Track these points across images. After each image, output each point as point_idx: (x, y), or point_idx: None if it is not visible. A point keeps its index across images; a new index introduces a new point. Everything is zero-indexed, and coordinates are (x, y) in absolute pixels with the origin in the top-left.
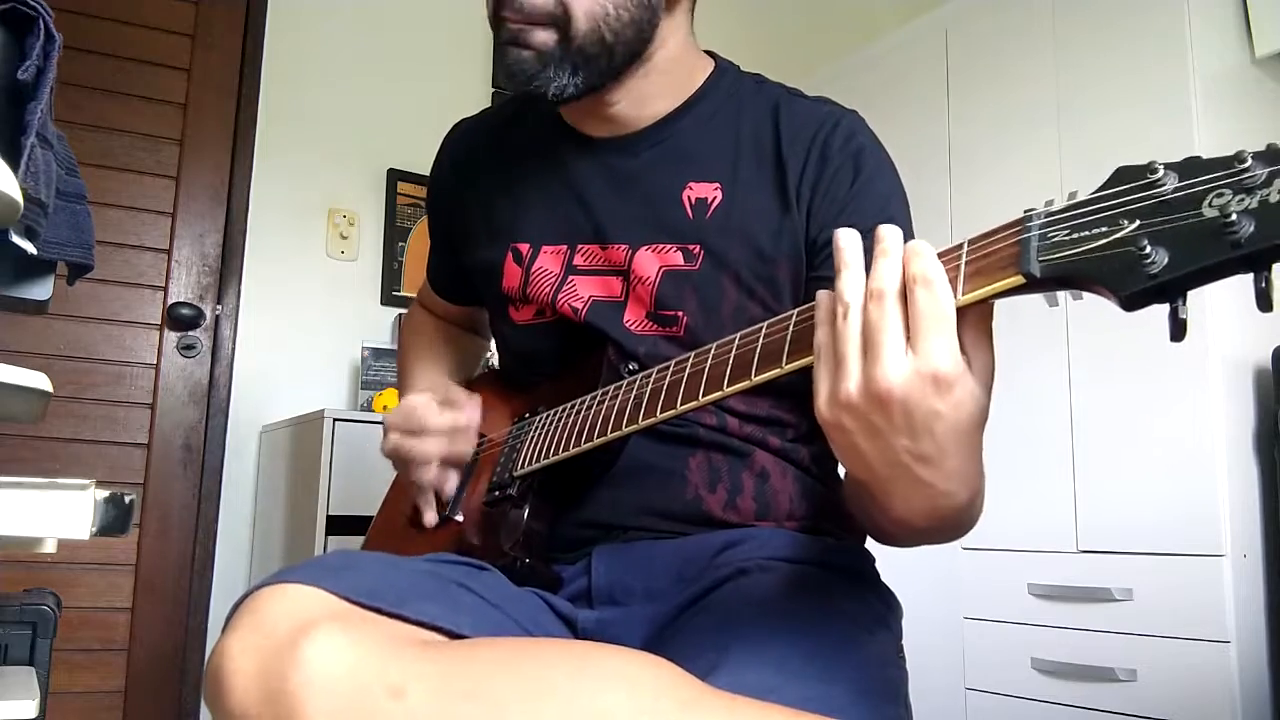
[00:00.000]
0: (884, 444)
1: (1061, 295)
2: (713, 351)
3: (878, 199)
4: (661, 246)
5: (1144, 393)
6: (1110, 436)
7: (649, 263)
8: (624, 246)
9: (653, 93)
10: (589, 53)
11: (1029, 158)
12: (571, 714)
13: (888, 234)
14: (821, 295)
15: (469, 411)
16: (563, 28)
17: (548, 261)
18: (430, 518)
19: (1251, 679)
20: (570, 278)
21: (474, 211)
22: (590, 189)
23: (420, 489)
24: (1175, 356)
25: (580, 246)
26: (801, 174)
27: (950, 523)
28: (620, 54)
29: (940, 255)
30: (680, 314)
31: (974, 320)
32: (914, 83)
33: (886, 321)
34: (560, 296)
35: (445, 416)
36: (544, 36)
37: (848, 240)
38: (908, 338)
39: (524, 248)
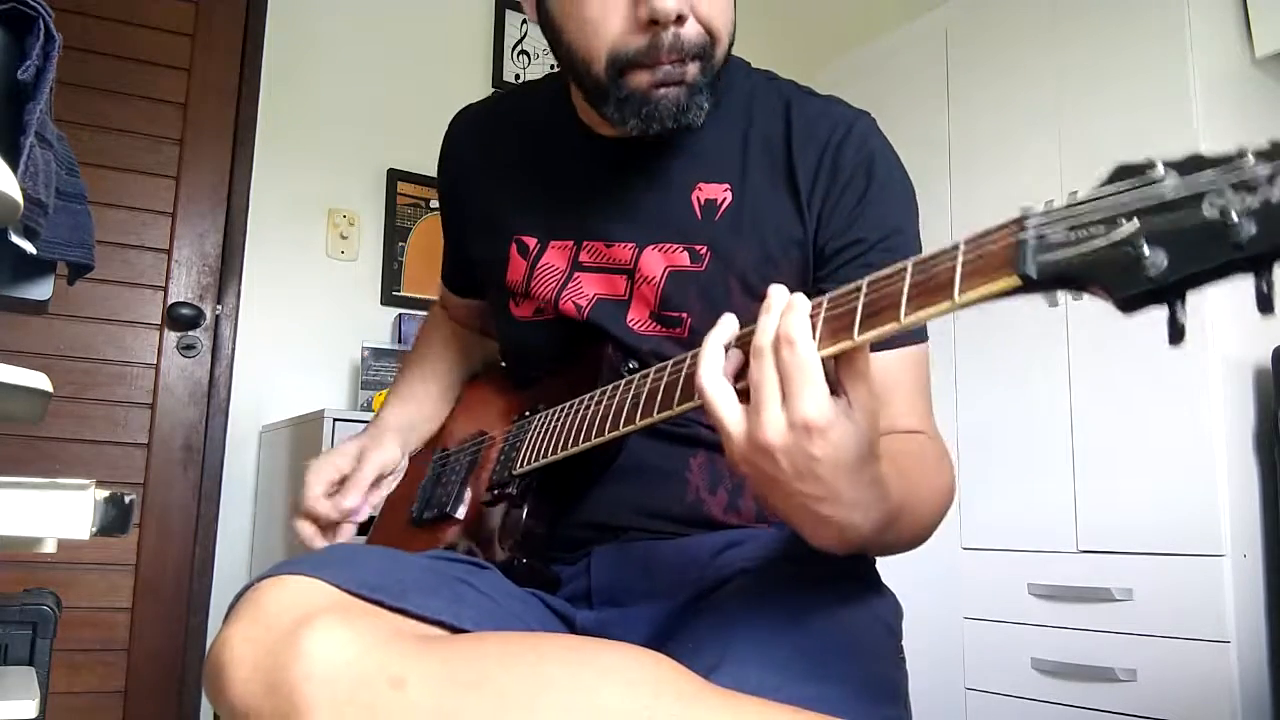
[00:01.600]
0: (779, 488)
1: (1061, 294)
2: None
3: (887, 211)
4: (668, 246)
5: (1144, 393)
6: (1110, 436)
7: (655, 262)
8: (630, 245)
9: None
10: (719, 72)
11: (1029, 158)
12: (572, 708)
13: (774, 293)
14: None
15: (370, 498)
16: (708, 56)
17: (554, 257)
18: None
19: (1251, 679)
20: (575, 274)
21: (480, 202)
22: (600, 186)
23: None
24: (1175, 357)
25: (586, 243)
26: (814, 182)
27: (874, 545)
28: (725, 68)
29: (935, 255)
30: (684, 315)
31: (849, 358)
32: (914, 83)
33: (765, 378)
34: (564, 295)
35: (322, 506)
36: (694, 69)
37: (726, 319)
38: (783, 392)
39: (530, 242)
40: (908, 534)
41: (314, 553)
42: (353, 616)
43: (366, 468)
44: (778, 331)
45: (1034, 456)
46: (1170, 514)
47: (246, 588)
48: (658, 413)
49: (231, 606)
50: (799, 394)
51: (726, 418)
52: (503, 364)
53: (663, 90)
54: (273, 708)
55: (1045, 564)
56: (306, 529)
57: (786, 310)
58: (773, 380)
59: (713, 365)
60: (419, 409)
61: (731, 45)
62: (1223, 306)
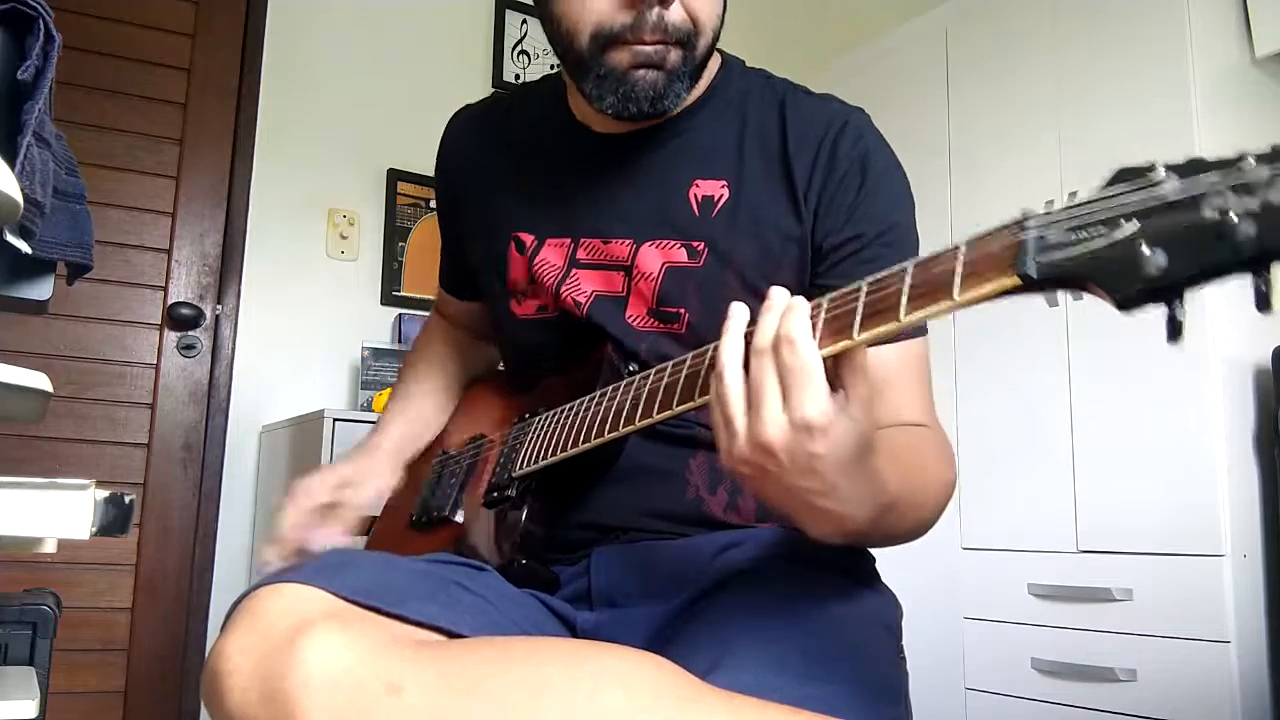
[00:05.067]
0: (778, 484)
1: (1061, 295)
2: (710, 352)
3: (883, 205)
4: (666, 243)
5: (1144, 393)
6: (1110, 436)
7: (652, 259)
8: (628, 242)
9: None
10: (699, 65)
11: (1029, 158)
12: (570, 712)
13: (775, 294)
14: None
15: (337, 530)
16: (690, 44)
17: (551, 254)
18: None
19: (1251, 679)
20: (573, 271)
21: (477, 202)
22: (597, 183)
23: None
24: (1175, 357)
25: (583, 240)
26: (810, 178)
27: (872, 535)
28: (707, 62)
29: (936, 255)
30: (682, 311)
31: (848, 355)
32: (914, 83)
33: (766, 378)
34: (564, 289)
35: (282, 519)
36: (675, 56)
37: (736, 309)
38: (783, 391)
39: (528, 239)
40: (908, 524)
41: (310, 560)
42: (349, 623)
43: (349, 508)
44: (778, 331)
45: (1034, 456)
46: (1170, 514)
47: (243, 596)
48: (657, 413)
49: (228, 615)
50: (801, 394)
51: (734, 414)
52: (500, 367)
53: (641, 72)
54: (270, 716)
55: (1045, 564)
56: (270, 554)
57: (787, 311)
58: (773, 379)
59: (734, 356)
60: (421, 421)
61: (715, 40)
62: (1223, 307)
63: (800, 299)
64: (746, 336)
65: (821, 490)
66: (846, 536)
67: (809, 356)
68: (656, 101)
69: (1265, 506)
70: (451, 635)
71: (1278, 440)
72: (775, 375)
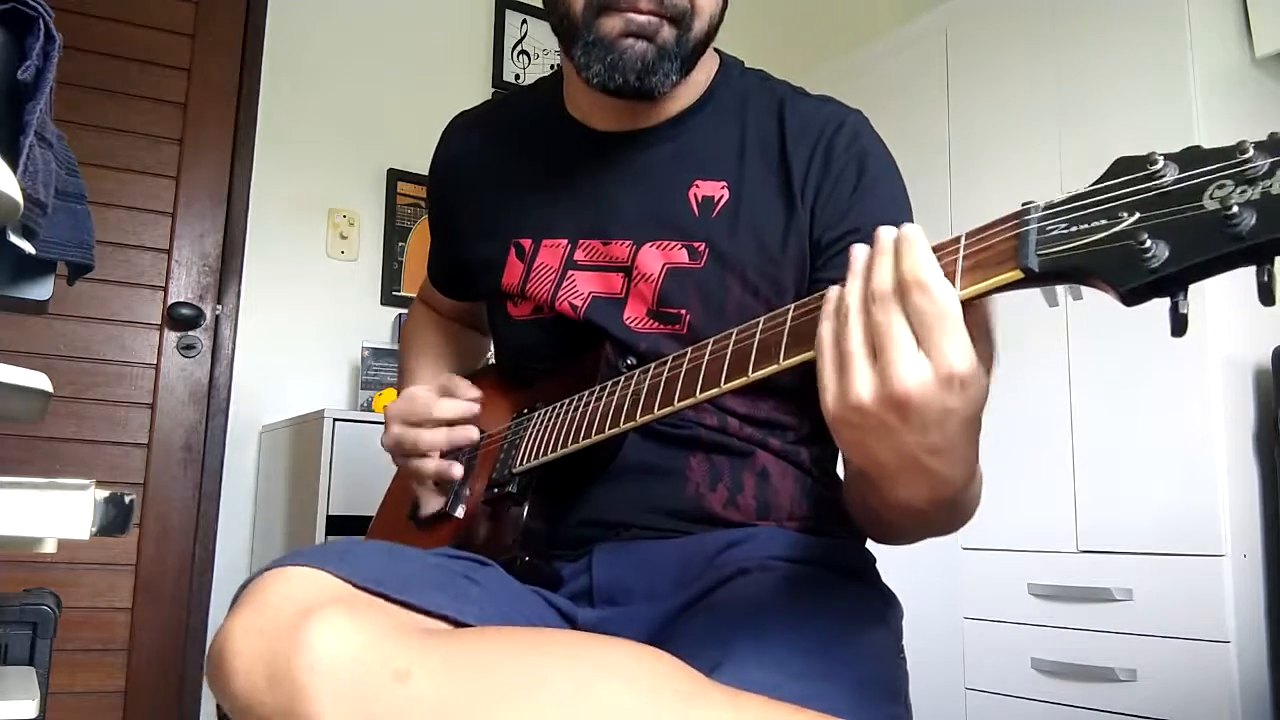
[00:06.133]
0: (894, 440)
1: (1061, 293)
2: (709, 347)
3: (881, 202)
4: (666, 243)
5: (1144, 393)
6: (1110, 436)
7: (653, 260)
8: (628, 243)
9: (676, 89)
10: (694, 51)
11: (1029, 158)
12: (573, 704)
13: (882, 233)
14: (830, 290)
15: (469, 402)
16: (685, 25)
17: (547, 257)
18: (433, 506)
19: (1251, 679)
20: (570, 273)
21: (474, 206)
22: (595, 184)
23: (421, 480)
24: (1175, 356)
25: (581, 241)
26: (806, 175)
27: (946, 505)
28: (703, 52)
29: (937, 249)
30: (683, 312)
31: (977, 309)
32: (914, 83)
33: (893, 322)
34: (560, 295)
35: (448, 406)
36: (668, 33)
37: (858, 250)
38: (917, 338)
39: (526, 243)
40: (976, 502)
41: (317, 546)
42: (357, 609)
43: (455, 381)
44: (902, 272)
45: (1034, 456)
46: (1170, 514)
47: (249, 579)
48: (658, 409)
49: (234, 598)
50: (945, 341)
51: (855, 360)
52: (491, 359)
53: (630, 40)
54: (275, 699)
55: (1045, 564)
56: (440, 435)
57: (904, 251)
58: (901, 323)
59: (858, 296)
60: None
61: (711, 29)
62: (1223, 306)
63: (917, 232)
64: (808, 305)
65: (939, 448)
66: (935, 502)
67: (948, 301)
68: (644, 75)
69: (1265, 506)
70: (457, 624)
71: (1278, 440)
72: (904, 320)
